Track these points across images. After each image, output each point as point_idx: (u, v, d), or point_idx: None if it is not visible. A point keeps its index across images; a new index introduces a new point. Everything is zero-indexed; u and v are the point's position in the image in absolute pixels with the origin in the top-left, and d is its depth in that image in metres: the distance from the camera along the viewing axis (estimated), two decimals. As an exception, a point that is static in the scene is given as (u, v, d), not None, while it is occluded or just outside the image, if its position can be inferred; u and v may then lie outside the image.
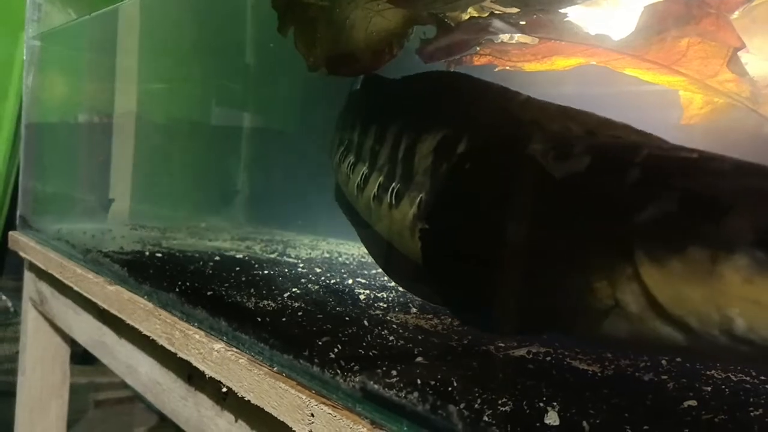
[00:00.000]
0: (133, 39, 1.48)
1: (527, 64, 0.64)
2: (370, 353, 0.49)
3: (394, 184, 0.60)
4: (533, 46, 0.61)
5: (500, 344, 0.54)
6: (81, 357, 1.45)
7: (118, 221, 1.41)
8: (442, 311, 0.64)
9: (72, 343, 1.20)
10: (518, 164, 0.46)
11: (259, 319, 0.57)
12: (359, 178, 0.66)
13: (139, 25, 1.49)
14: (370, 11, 0.67)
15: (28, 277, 1.19)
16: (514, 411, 0.38)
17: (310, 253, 1.02)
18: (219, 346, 0.57)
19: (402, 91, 0.71)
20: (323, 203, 0.82)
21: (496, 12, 0.61)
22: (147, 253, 0.91)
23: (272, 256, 0.97)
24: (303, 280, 0.77)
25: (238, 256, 0.93)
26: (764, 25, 0.55)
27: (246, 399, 0.52)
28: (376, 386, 0.43)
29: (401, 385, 0.42)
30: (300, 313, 0.60)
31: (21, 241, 1.18)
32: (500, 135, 0.51)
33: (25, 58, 1.44)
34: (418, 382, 0.42)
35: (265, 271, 0.81)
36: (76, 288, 0.89)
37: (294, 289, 0.70)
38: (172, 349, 0.63)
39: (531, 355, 0.51)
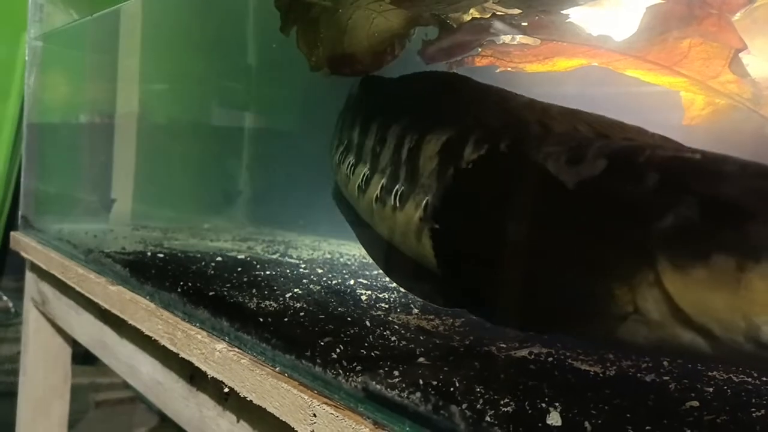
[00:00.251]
0: (134, 39, 1.49)
1: (529, 65, 0.64)
2: (372, 354, 0.49)
3: (397, 186, 0.59)
4: (535, 47, 0.61)
5: (502, 345, 0.54)
6: (82, 357, 1.45)
7: (120, 221, 1.41)
8: (443, 312, 0.64)
9: (73, 343, 1.20)
10: (531, 167, 0.46)
11: (261, 320, 0.57)
12: (360, 179, 0.66)
13: (141, 26, 1.49)
14: (372, 12, 0.67)
15: (29, 277, 1.20)
16: (516, 411, 0.38)
17: (311, 254, 1.02)
18: (221, 346, 0.57)
19: (401, 91, 0.70)
20: (325, 204, 0.82)
21: (498, 13, 0.61)
22: (149, 254, 0.91)
23: (274, 256, 0.98)
24: (305, 281, 0.77)
25: (239, 257, 0.94)
26: (766, 26, 0.55)
27: (248, 399, 0.52)
28: (378, 386, 0.43)
29: (403, 385, 0.42)
30: (302, 314, 0.60)
31: (23, 242, 1.18)
32: (512, 137, 0.51)
33: (26, 58, 1.44)
34: (421, 382, 0.42)
35: (267, 272, 0.81)
36: (77, 288, 0.89)
37: (296, 290, 0.71)
38: (174, 350, 0.63)
39: (533, 356, 0.51)
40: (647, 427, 0.37)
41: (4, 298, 1.95)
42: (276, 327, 0.55)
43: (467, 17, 0.64)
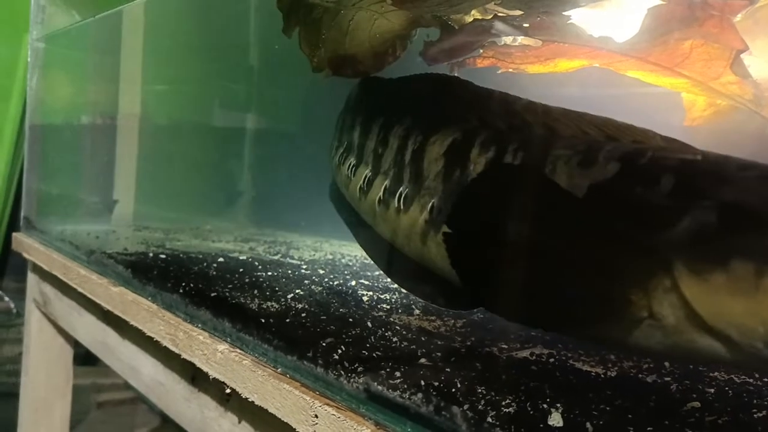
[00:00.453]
0: (137, 41, 1.49)
1: (530, 66, 0.64)
2: (374, 354, 0.49)
3: (401, 188, 0.59)
4: (536, 48, 0.61)
5: (503, 346, 0.54)
6: (84, 358, 1.45)
7: (122, 222, 1.41)
8: (445, 313, 0.64)
9: (75, 344, 1.20)
10: (543, 170, 0.45)
11: (263, 321, 0.57)
12: (362, 181, 0.66)
13: (143, 27, 1.49)
14: (374, 13, 0.67)
15: (31, 278, 1.20)
16: (517, 412, 0.38)
17: (313, 255, 1.02)
18: (223, 347, 0.57)
19: (402, 93, 0.70)
20: (326, 205, 0.82)
21: (500, 14, 0.61)
22: (151, 255, 0.91)
23: (276, 257, 0.98)
24: (306, 282, 0.77)
25: (241, 258, 0.94)
26: (767, 27, 0.55)
27: (250, 400, 0.52)
28: (380, 387, 0.43)
29: (405, 386, 0.42)
30: (303, 315, 0.60)
31: (25, 243, 1.18)
32: (520, 140, 0.50)
33: (29, 59, 1.44)
34: (422, 383, 0.42)
35: (269, 273, 0.81)
36: (79, 289, 0.89)
37: (297, 291, 0.71)
38: (176, 350, 0.63)
39: (534, 357, 0.51)
40: (649, 428, 0.37)
41: (6, 298, 1.96)
42: (278, 328, 0.55)
43: (469, 18, 0.65)
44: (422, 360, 0.48)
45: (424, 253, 0.56)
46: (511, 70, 0.65)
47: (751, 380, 0.49)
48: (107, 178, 1.48)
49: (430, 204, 0.54)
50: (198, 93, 1.56)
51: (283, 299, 0.66)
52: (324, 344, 0.50)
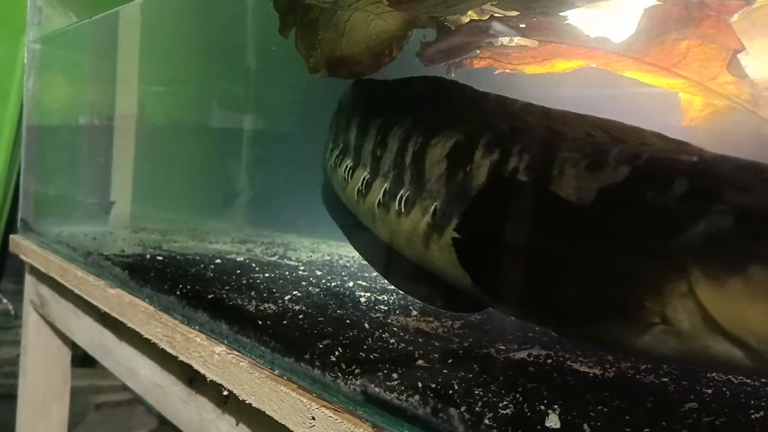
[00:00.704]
0: (133, 42, 1.49)
1: (527, 66, 0.64)
2: (371, 356, 0.49)
3: (402, 191, 0.58)
4: (533, 48, 0.61)
5: (501, 347, 0.54)
6: (81, 360, 1.45)
7: (119, 224, 1.41)
8: (442, 314, 0.64)
9: (73, 346, 1.20)
10: (551, 173, 0.45)
11: (260, 322, 0.57)
12: (360, 183, 0.65)
13: (140, 28, 1.49)
14: (370, 14, 0.67)
15: (28, 280, 1.20)
16: (515, 414, 0.38)
17: (310, 256, 1.02)
18: (220, 349, 0.57)
19: (400, 95, 0.70)
20: (324, 206, 0.82)
21: (496, 15, 0.61)
22: (148, 256, 0.91)
23: (273, 258, 0.97)
24: (304, 283, 0.77)
25: (238, 259, 0.94)
26: (764, 27, 0.55)
27: (247, 402, 0.52)
28: (377, 389, 0.43)
29: (402, 388, 0.42)
30: (301, 316, 0.60)
31: (22, 244, 1.18)
32: (525, 142, 0.49)
33: (26, 61, 1.44)
34: (419, 385, 0.42)
35: (266, 274, 0.81)
36: (77, 291, 0.89)
37: (295, 292, 0.70)
38: (173, 353, 0.63)
39: (532, 358, 0.51)
40: (646, 429, 0.37)
41: (4, 300, 1.95)
42: (275, 330, 0.55)
43: (465, 19, 0.64)
44: (420, 361, 0.48)
45: (426, 256, 0.55)
46: (508, 70, 0.65)
47: (748, 381, 0.49)
48: (104, 179, 1.48)
49: (433, 207, 0.54)
50: (195, 94, 1.56)
51: (280, 301, 0.66)
52: (321, 346, 0.50)
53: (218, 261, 0.89)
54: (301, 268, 0.89)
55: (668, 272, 0.37)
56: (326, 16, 0.70)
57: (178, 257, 0.92)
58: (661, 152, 0.44)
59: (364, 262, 0.91)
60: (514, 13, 0.60)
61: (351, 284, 0.79)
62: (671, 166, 0.41)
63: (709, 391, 0.46)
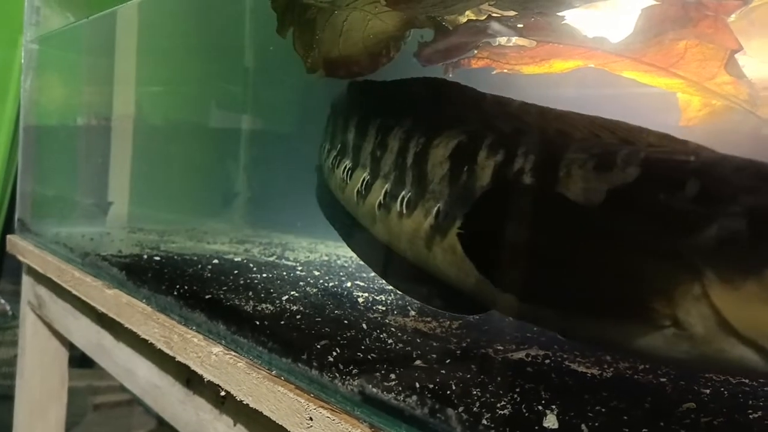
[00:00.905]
0: (131, 42, 1.48)
1: (525, 66, 0.64)
2: (369, 356, 0.49)
3: (404, 192, 0.58)
4: (531, 48, 0.61)
5: (499, 347, 0.54)
6: (79, 360, 1.44)
7: (117, 224, 1.41)
8: (440, 314, 0.64)
9: (70, 346, 1.19)
10: (557, 174, 0.44)
11: (258, 323, 0.57)
12: (360, 184, 0.65)
13: (137, 28, 1.49)
14: (367, 14, 0.67)
15: (26, 280, 1.19)
16: (512, 414, 0.38)
17: (308, 256, 1.02)
18: (217, 349, 0.57)
19: (399, 95, 0.69)
20: (322, 206, 0.82)
21: (494, 15, 0.61)
22: (145, 257, 0.91)
23: (271, 259, 0.97)
24: (301, 283, 0.77)
25: (236, 259, 0.93)
26: (762, 27, 0.55)
27: (244, 402, 0.52)
28: (374, 390, 0.43)
29: (400, 388, 0.42)
30: (298, 317, 0.60)
31: (19, 245, 1.17)
32: (529, 143, 0.48)
33: (23, 61, 1.44)
34: (417, 385, 0.42)
35: (264, 274, 0.81)
36: (74, 292, 0.89)
37: (292, 292, 0.70)
38: (171, 353, 0.63)
39: (530, 358, 0.51)
40: (644, 430, 0.37)
41: (1, 301, 1.95)
42: (272, 330, 0.55)
43: (463, 19, 0.64)
44: (417, 362, 0.48)
45: (428, 257, 0.55)
46: (506, 70, 0.65)
47: (746, 381, 0.49)
48: (102, 179, 1.47)
49: (436, 208, 0.53)
50: (193, 94, 1.56)
51: (278, 301, 0.66)
52: (319, 346, 0.50)
53: (216, 261, 0.89)
54: (299, 268, 0.89)
55: (680, 275, 0.37)
56: (324, 16, 0.70)
57: (176, 258, 0.92)
58: (671, 153, 0.43)
59: (362, 263, 0.91)
60: (512, 13, 0.60)
61: (349, 284, 0.78)
62: (683, 167, 0.40)
63: (707, 391, 0.46)
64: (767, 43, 0.56)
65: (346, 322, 0.59)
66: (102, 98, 1.49)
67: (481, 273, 0.47)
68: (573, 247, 0.41)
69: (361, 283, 0.79)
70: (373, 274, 0.83)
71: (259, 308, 0.62)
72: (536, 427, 0.37)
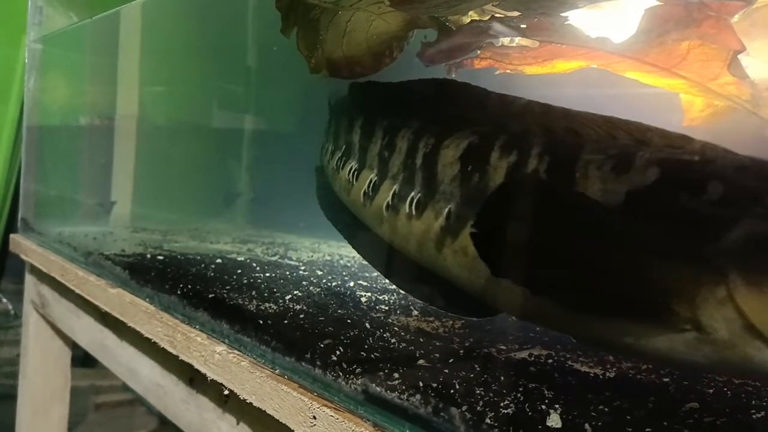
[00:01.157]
0: (134, 42, 1.49)
1: (528, 67, 0.64)
2: (372, 356, 0.49)
3: (413, 193, 0.57)
4: (534, 49, 0.61)
5: (502, 347, 0.54)
6: (82, 360, 1.45)
7: (120, 224, 1.41)
8: (443, 314, 0.64)
9: (73, 345, 1.20)
10: (574, 175, 0.44)
11: (261, 322, 0.57)
12: (367, 186, 0.64)
13: (141, 28, 1.49)
14: (371, 14, 0.67)
15: (29, 280, 1.20)
16: (516, 413, 0.38)
17: (311, 256, 1.02)
18: (221, 348, 0.57)
19: (408, 96, 0.69)
20: (324, 206, 0.82)
21: (497, 15, 0.61)
22: (149, 256, 0.91)
23: (274, 258, 0.98)
24: (304, 283, 0.77)
25: (239, 259, 0.94)
26: (765, 28, 0.55)
27: (248, 401, 0.52)
28: (378, 389, 0.43)
29: (403, 387, 0.42)
30: (302, 316, 0.60)
31: (22, 244, 1.18)
32: (544, 144, 0.48)
33: (26, 61, 1.44)
34: (420, 384, 0.42)
35: (267, 274, 0.81)
36: (77, 291, 0.89)
37: (296, 292, 0.71)
38: (174, 352, 0.63)
39: (533, 358, 0.51)
40: (647, 429, 0.37)
41: (4, 300, 1.95)
42: (276, 329, 0.55)
43: (466, 19, 0.64)
44: (420, 361, 0.48)
45: (438, 259, 0.54)
46: (508, 71, 0.65)
47: (749, 381, 0.49)
48: (105, 179, 1.48)
49: (447, 209, 0.53)
50: (196, 94, 1.56)
51: (281, 300, 0.66)
52: (322, 345, 0.50)
53: (219, 261, 0.90)
54: (302, 267, 0.89)
55: (703, 278, 0.36)
56: (328, 17, 0.70)
57: (179, 257, 0.92)
58: (693, 154, 0.42)
59: (365, 262, 0.91)
60: (515, 14, 0.60)
61: (352, 284, 0.79)
62: (705, 168, 0.40)
63: (711, 391, 0.46)
64: (770, 43, 0.56)
65: (349, 321, 0.59)
66: (105, 98, 1.50)
67: (494, 274, 0.47)
68: (591, 250, 0.41)
69: (364, 283, 0.79)
70: (376, 273, 0.83)
71: (262, 307, 0.62)
72: (539, 427, 0.37)
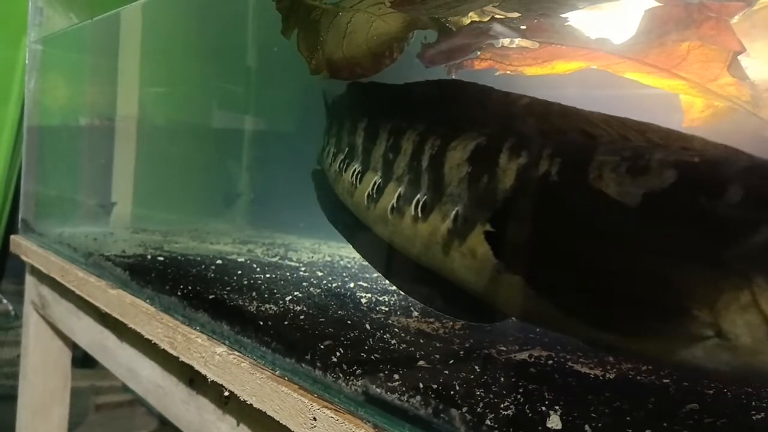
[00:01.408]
0: (134, 43, 1.49)
1: (528, 68, 0.64)
2: (372, 357, 0.49)
3: (419, 195, 0.56)
4: (534, 50, 0.61)
5: (502, 348, 0.54)
6: (82, 360, 1.45)
7: (120, 225, 1.41)
8: (443, 315, 0.64)
9: (73, 346, 1.20)
10: (588, 177, 0.43)
11: (261, 323, 0.57)
12: (371, 188, 0.64)
13: (141, 29, 1.49)
14: (371, 15, 0.67)
15: (29, 280, 1.20)
16: (516, 415, 0.38)
17: (311, 257, 1.02)
18: (221, 349, 0.57)
19: (413, 97, 0.68)
20: (325, 207, 0.82)
21: (497, 16, 0.61)
22: (149, 257, 0.91)
23: (274, 259, 0.98)
24: (305, 284, 0.77)
25: (239, 260, 0.94)
26: (764, 29, 0.55)
27: (248, 403, 0.52)
28: (378, 390, 0.43)
29: (403, 388, 0.42)
30: (302, 317, 0.60)
31: (23, 245, 1.18)
32: (555, 146, 0.47)
33: (27, 62, 1.44)
34: (421, 385, 0.42)
35: (267, 275, 0.81)
36: (77, 292, 0.89)
37: (296, 293, 0.71)
38: (174, 353, 0.63)
39: (533, 359, 0.51)
40: (647, 430, 0.37)
41: (4, 301, 1.95)
42: (276, 330, 0.55)
43: (466, 21, 0.65)
44: (421, 362, 0.48)
45: (444, 262, 0.53)
46: (508, 72, 0.65)
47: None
48: (105, 180, 1.48)
49: (454, 211, 0.52)
50: (196, 95, 1.56)
51: (281, 301, 0.66)
52: (322, 347, 0.50)
53: (219, 262, 0.90)
54: (302, 268, 0.89)
55: (725, 282, 0.36)
56: (328, 18, 0.70)
57: (179, 258, 0.92)
58: (711, 156, 0.42)
59: (365, 263, 0.91)
60: (515, 15, 0.60)
61: (352, 285, 0.79)
62: (725, 170, 0.39)
63: (710, 392, 0.46)
64: (770, 44, 0.56)
65: (349, 322, 0.59)
66: (105, 99, 1.50)
67: (509, 273, 0.46)
68: (609, 253, 0.40)
69: (365, 284, 0.79)
70: (376, 274, 0.83)
71: (262, 308, 0.62)
72: (540, 428, 0.37)
